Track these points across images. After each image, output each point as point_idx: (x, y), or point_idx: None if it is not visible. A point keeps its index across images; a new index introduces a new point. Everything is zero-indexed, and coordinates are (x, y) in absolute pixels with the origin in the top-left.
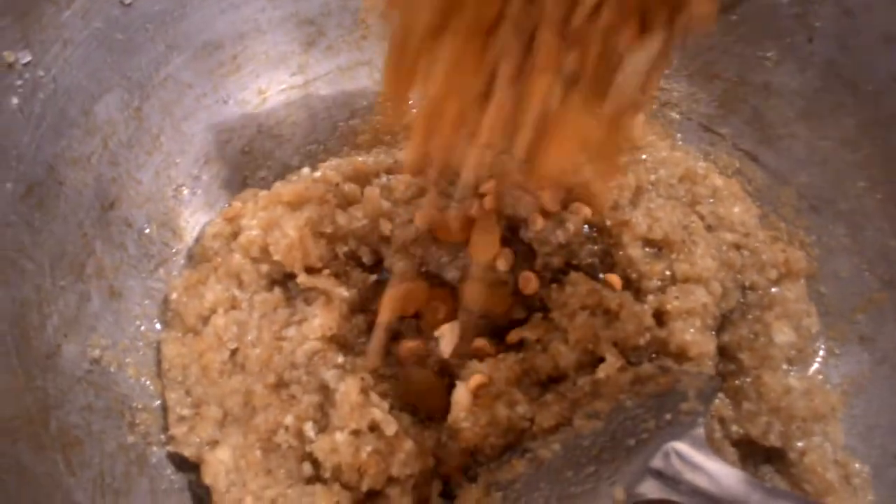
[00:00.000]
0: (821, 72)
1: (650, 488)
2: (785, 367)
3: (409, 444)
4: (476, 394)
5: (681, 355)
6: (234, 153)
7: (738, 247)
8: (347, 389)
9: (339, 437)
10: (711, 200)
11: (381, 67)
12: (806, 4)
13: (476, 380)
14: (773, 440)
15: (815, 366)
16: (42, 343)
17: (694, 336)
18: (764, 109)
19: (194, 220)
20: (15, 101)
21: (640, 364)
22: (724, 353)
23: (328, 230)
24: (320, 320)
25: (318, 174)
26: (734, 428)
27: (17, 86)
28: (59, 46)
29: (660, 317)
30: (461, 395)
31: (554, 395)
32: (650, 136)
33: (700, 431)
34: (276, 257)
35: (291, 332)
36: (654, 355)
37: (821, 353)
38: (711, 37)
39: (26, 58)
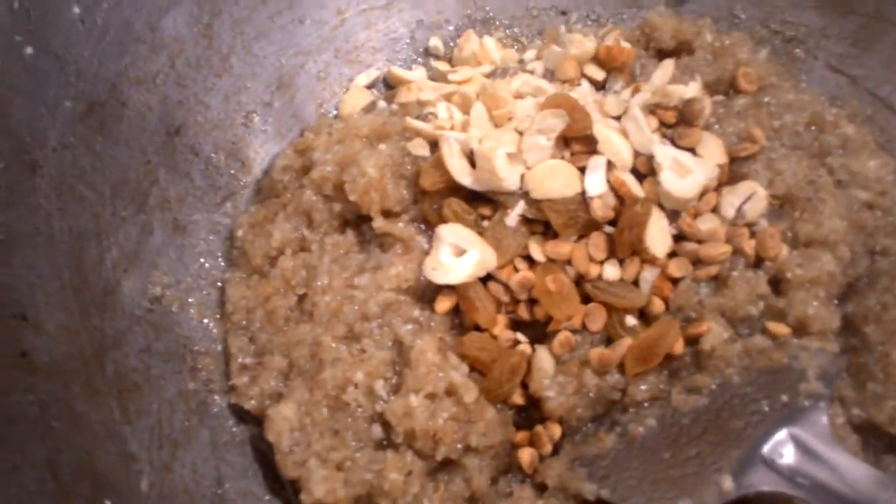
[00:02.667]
0: None
1: (763, 479)
2: None
3: (490, 412)
4: (560, 358)
5: (800, 329)
6: (308, 79)
7: (870, 206)
8: (424, 347)
9: (414, 399)
10: (841, 152)
11: None
12: None
13: (562, 339)
14: None
15: None
16: (100, 279)
17: (817, 309)
18: None
19: (264, 151)
20: (76, 10)
21: (751, 336)
22: (847, 325)
23: (409, 172)
24: (397, 269)
25: (395, 106)
26: (856, 411)
27: None
28: None
29: (777, 284)
30: (544, 359)
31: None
32: (771, 76)
33: (823, 418)
34: (352, 197)
35: (365, 280)
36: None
37: None
38: None
39: None
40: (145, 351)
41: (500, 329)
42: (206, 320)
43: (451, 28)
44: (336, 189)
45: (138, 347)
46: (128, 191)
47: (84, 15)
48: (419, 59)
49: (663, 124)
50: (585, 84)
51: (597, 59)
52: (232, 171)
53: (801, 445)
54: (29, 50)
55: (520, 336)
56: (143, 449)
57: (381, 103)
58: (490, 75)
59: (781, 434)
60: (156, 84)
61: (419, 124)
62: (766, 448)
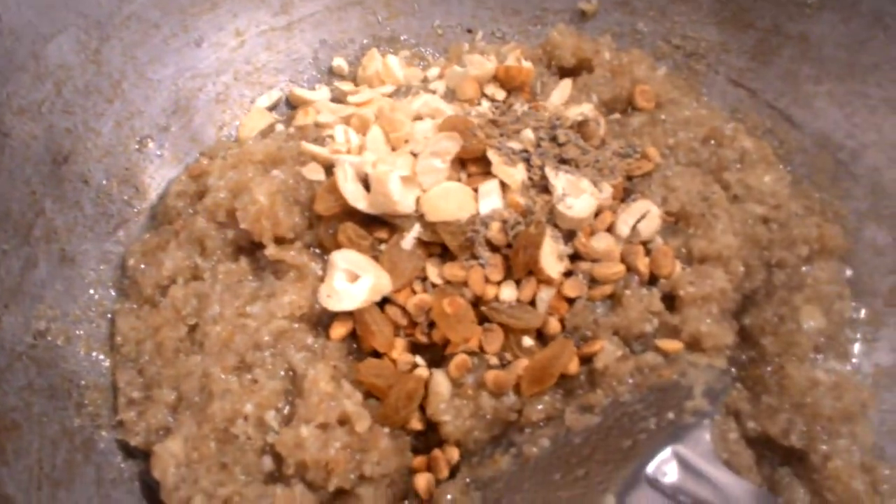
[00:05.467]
0: (866, 22)
1: (644, 498)
2: (812, 356)
3: (384, 441)
4: (458, 381)
5: (694, 345)
6: (207, 102)
7: (766, 220)
8: (317, 376)
9: (305, 430)
10: (739, 166)
11: (374, 8)
12: None
13: (458, 362)
14: (795, 440)
15: (846, 355)
16: None
17: (710, 326)
18: (801, 63)
19: (160, 176)
20: None
21: (643, 353)
22: (744, 337)
23: (303, 197)
24: (290, 297)
25: (292, 130)
26: (751, 424)
27: None
28: None
29: (672, 301)
30: (441, 383)
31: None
32: (673, 91)
33: (707, 435)
34: (244, 225)
35: (257, 308)
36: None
37: (853, 340)
38: None
39: None
40: (26, 388)
41: (399, 353)
42: (94, 353)
43: (355, 47)
44: (229, 216)
45: (18, 385)
46: (10, 223)
47: None
48: (322, 79)
49: (558, 144)
50: (485, 103)
51: (497, 79)
52: (125, 198)
53: (683, 463)
54: None
55: (418, 359)
56: (21, 491)
57: (280, 127)
58: (393, 94)
59: (666, 453)
60: (41, 112)
61: (314, 148)
62: (651, 467)
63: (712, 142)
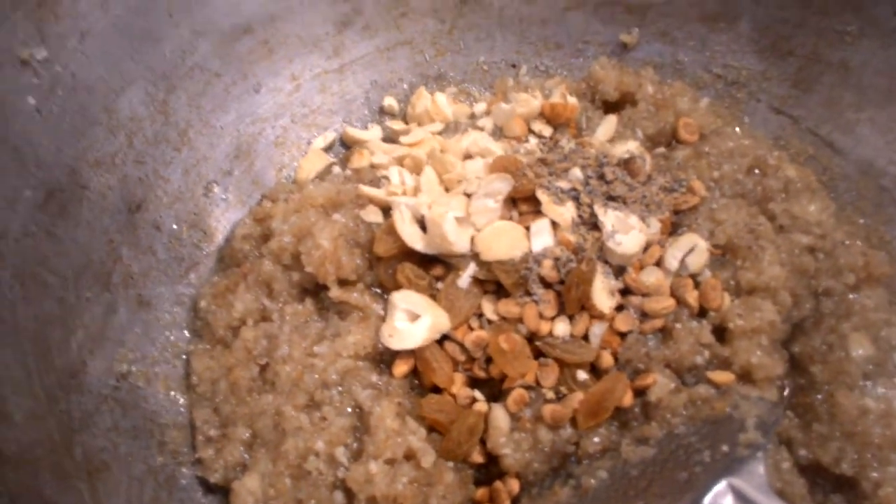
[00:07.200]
0: None
1: None
2: (861, 383)
3: (448, 475)
4: (516, 415)
5: (745, 376)
6: (266, 145)
7: (812, 249)
8: (383, 414)
9: (374, 466)
10: (783, 196)
11: (421, 48)
12: None
13: (516, 396)
14: (846, 468)
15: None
16: (66, 361)
17: (760, 358)
18: (842, 90)
19: (226, 219)
20: (32, 100)
21: (695, 385)
22: (795, 365)
23: (363, 239)
24: (354, 337)
25: (349, 172)
26: (802, 452)
27: (34, 84)
28: (77, 39)
29: (722, 333)
30: (500, 418)
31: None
32: (716, 121)
33: (760, 468)
34: (309, 269)
35: (324, 348)
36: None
37: None
38: (786, 8)
39: (42, 53)
40: (113, 429)
41: (458, 387)
42: (172, 392)
43: (405, 86)
44: (294, 259)
45: (106, 427)
46: (91, 272)
47: (40, 104)
48: (374, 119)
49: (606, 181)
50: (533, 140)
51: (543, 115)
52: (194, 242)
53: (739, 496)
54: None
55: (477, 394)
56: None
57: (336, 169)
58: (442, 132)
59: (721, 485)
60: (115, 164)
61: (372, 191)
62: (707, 500)
63: (756, 171)
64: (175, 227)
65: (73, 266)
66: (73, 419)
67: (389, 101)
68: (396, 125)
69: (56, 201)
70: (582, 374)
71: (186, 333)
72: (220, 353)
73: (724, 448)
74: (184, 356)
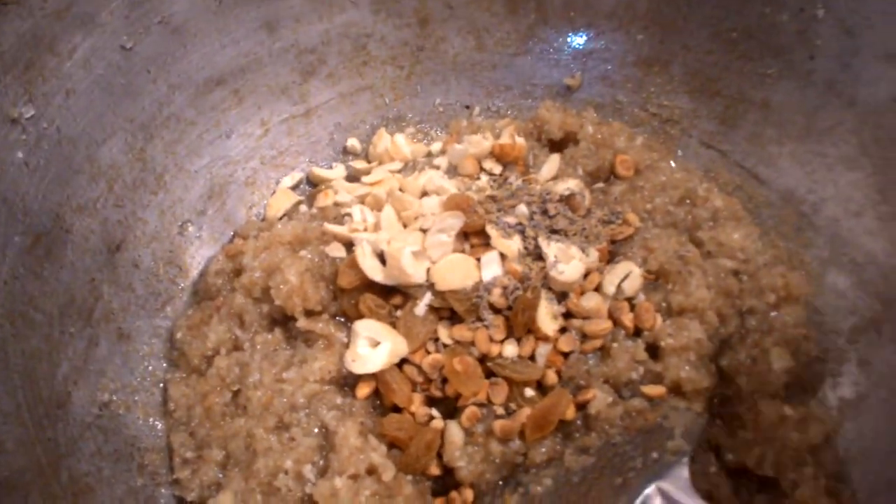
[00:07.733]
0: (821, 90)
1: None
2: (781, 393)
3: (407, 487)
4: (469, 430)
5: (675, 390)
6: (238, 186)
7: (736, 272)
8: (346, 433)
9: (339, 481)
10: (711, 224)
11: (382, 92)
12: (807, 22)
13: (469, 413)
14: (767, 469)
15: (812, 391)
16: (52, 393)
17: (689, 373)
18: (764, 126)
19: (199, 255)
20: (20, 154)
21: (631, 398)
22: (722, 377)
23: (328, 273)
24: (320, 363)
25: (314, 210)
26: (730, 456)
27: (22, 140)
28: (62, 97)
29: (655, 350)
30: (454, 433)
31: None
32: (651, 156)
33: (685, 472)
34: (278, 302)
35: (292, 374)
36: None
37: (819, 377)
38: (713, 53)
39: (30, 111)
40: (96, 454)
41: (416, 406)
42: (151, 419)
43: (367, 127)
44: (264, 292)
45: (90, 452)
46: (74, 309)
47: (27, 158)
48: (338, 158)
49: (549, 216)
50: (484, 177)
51: (494, 154)
52: (171, 277)
53: (666, 498)
54: None
55: (434, 412)
56: None
57: (303, 207)
58: (402, 170)
59: (651, 488)
60: (96, 208)
61: (336, 228)
62: (638, 502)
63: (687, 201)
64: (152, 264)
65: (58, 304)
66: (59, 446)
67: (352, 142)
68: (359, 164)
69: (42, 245)
70: (529, 392)
71: (164, 363)
72: (196, 381)
73: (654, 455)
74: (161, 384)
